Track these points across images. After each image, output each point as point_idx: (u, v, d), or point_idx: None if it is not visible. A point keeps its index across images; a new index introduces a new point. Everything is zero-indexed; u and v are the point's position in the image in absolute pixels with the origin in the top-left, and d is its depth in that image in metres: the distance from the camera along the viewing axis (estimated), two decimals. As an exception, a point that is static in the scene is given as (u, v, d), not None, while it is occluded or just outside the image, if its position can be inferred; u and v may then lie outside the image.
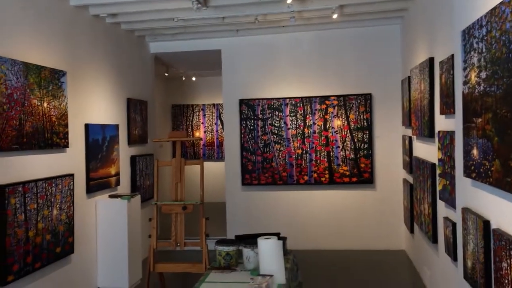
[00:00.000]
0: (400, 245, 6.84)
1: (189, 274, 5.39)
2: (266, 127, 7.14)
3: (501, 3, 2.05)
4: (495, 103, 2.14)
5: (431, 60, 4.52)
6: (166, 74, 9.57)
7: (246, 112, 7.18)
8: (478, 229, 2.44)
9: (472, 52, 2.50)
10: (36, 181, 4.15)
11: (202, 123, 11.32)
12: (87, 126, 5.19)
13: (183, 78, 10.48)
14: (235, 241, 3.70)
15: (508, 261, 2.03)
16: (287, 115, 7.07)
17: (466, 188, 2.77)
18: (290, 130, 7.07)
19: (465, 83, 2.66)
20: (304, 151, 7.02)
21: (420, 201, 5.07)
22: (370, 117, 6.88)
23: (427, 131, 4.59)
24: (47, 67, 4.42)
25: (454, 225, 3.60)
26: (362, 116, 6.90)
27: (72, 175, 4.77)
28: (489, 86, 2.23)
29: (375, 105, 6.92)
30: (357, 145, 6.90)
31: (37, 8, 4.42)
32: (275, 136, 7.11)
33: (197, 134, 11.29)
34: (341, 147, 6.93)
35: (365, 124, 6.89)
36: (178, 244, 4.87)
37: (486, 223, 2.36)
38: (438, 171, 4.20)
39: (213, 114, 11.28)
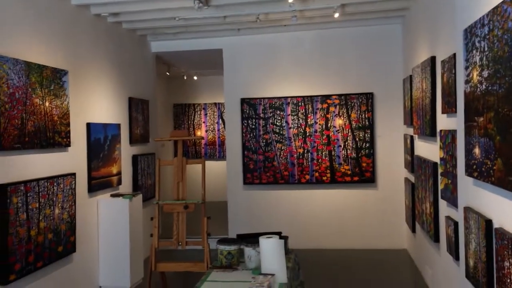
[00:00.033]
0: (401, 244, 6.84)
1: (190, 273, 5.40)
2: (268, 126, 7.14)
3: (503, 2, 2.05)
4: (497, 102, 2.14)
5: (432, 59, 4.51)
6: (167, 73, 9.58)
7: (247, 111, 7.18)
8: (480, 228, 2.43)
9: (474, 51, 2.50)
10: (38, 180, 4.16)
11: (204, 122, 11.33)
12: (88, 125, 5.20)
13: (185, 77, 10.48)
14: (237, 240, 3.70)
15: (510, 260, 2.03)
16: (289, 114, 7.07)
17: (468, 187, 2.77)
18: (292, 129, 7.07)
19: (467, 82, 2.66)
20: (306, 150, 7.02)
21: (422, 200, 5.07)
22: (371, 116, 6.87)
23: (429, 130, 4.59)
24: (49, 66, 4.42)
25: (456, 224, 3.60)
26: (363, 115, 6.89)
27: (74, 174, 4.77)
28: (491, 85, 2.23)
29: (376, 104, 6.91)
30: (358, 144, 6.89)
31: (38, 7, 4.42)
32: (277, 135, 7.11)
33: (198, 133, 11.29)
34: (342, 146, 6.92)
35: (367, 123, 6.88)
36: (180, 243, 4.87)
37: (488, 222, 2.36)
38: (440, 170, 4.19)
39: (215, 113, 11.28)
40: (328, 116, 6.97)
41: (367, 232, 6.90)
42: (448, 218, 3.89)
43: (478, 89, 2.43)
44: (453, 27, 3.46)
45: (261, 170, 7.12)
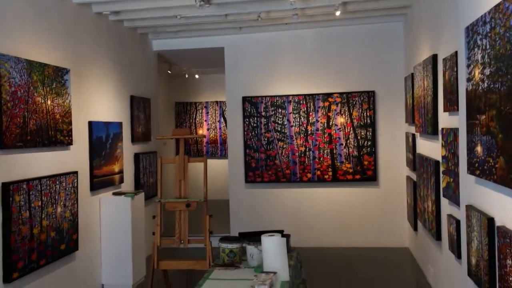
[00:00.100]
0: (403, 242, 6.84)
1: (193, 271, 5.41)
2: (269, 124, 7.14)
3: (505, -1, 2.05)
4: (499, 100, 2.13)
5: (434, 57, 4.51)
6: (169, 71, 9.57)
7: (249, 110, 7.18)
8: (483, 226, 2.43)
9: (476, 49, 2.50)
10: (40, 178, 4.17)
11: (205, 120, 11.33)
12: (90, 123, 5.20)
13: (186, 76, 10.49)
14: (239, 238, 3.70)
15: (512, 258, 2.03)
16: (290, 113, 7.07)
17: (470, 185, 2.77)
18: (293, 127, 7.07)
19: (468, 80, 2.65)
20: (307, 149, 7.02)
21: (424, 199, 5.07)
22: (373, 114, 6.87)
23: (431, 128, 4.58)
24: (51, 65, 4.43)
25: (458, 222, 3.59)
26: (365, 113, 6.89)
27: (76, 172, 4.78)
28: (493, 83, 2.22)
29: (378, 102, 6.91)
30: (360, 142, 6.89)
31: (40, 6, 4.43)
32: (278, 134, 7.11)
33: (200, 131, 11.29)
34: (344, 144, 6.92)
35: (368, 121, 6.88)
36: (182, 242, 4.88)
37: (491, 220, 2.36)
38: (441, 168, 4.19)
39: (216, 112, 11.28)
40: (330, 114, 6.96)
41: (368, 230, 6.90)
42: (450, 216, 3.89)
43: (480, 87, 2.42)
44: (455, 25, 3.46)
45: (262, 168, 7.13)
